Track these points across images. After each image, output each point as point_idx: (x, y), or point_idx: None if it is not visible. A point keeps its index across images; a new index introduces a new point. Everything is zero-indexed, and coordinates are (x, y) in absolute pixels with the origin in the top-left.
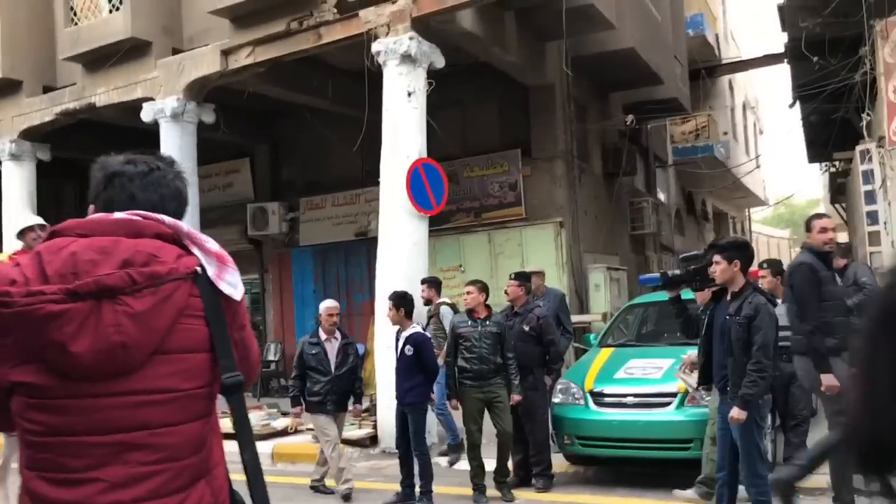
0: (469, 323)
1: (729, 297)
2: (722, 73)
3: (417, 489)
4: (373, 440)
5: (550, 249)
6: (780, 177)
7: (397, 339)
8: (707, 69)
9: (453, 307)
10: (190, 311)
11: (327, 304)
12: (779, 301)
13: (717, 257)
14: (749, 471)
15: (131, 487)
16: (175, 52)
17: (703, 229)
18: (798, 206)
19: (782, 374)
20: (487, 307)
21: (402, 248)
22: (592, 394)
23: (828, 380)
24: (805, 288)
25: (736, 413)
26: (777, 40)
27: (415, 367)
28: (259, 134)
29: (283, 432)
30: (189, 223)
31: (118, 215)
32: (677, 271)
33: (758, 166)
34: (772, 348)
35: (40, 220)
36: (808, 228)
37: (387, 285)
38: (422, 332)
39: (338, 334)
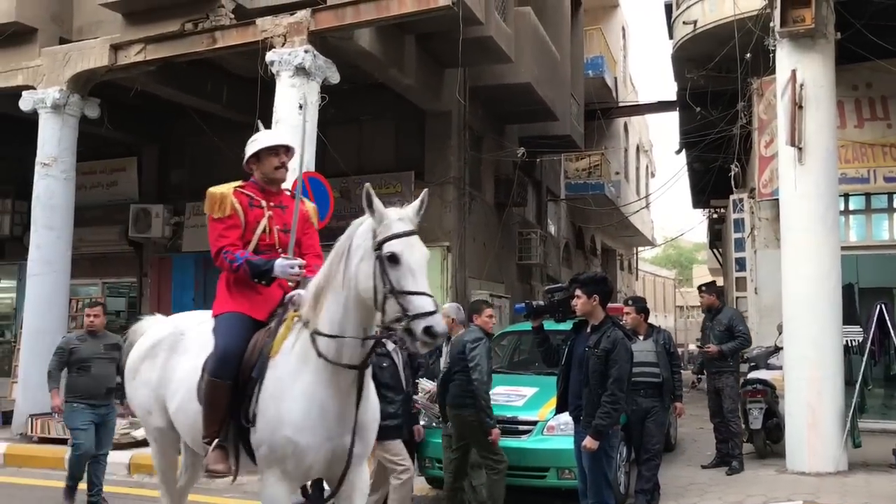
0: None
1: (589, 330)
2: (617, 116)
3: None
4: None
5: (436, 273)
6: (671, 219)
7: None
8: (603, 110)
9: None
10: None
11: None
12: (639, 338)
13: (577, 291)
14: (596, 499)
15: None
16: (63, 41)
17: (590, 264)
18: (685, 249)
19: (638, 408)
20: None
21: None
22: None
23: None
24: None
25: (588, 442)
26: (672, 88)
27: None
28: (148, 133)
29: (144, 442)
30: (63, 220)
31: None
32: (542, 302)
33: (646, 207)
34: (626, 382)
35: (285, 141)
36: None
37: None
38: None
39: None
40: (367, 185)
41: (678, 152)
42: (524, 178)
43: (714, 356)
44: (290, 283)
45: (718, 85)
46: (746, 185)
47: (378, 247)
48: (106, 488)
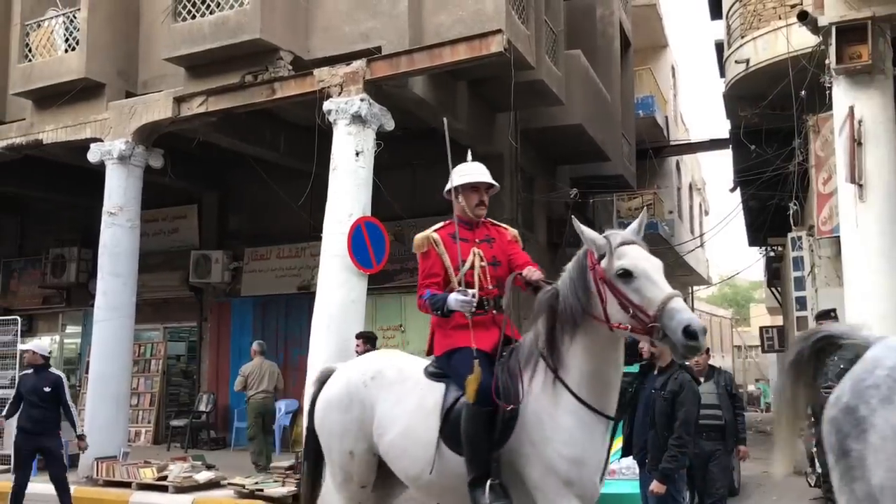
0: None
1: (656, 372)
2: (669, 154)
3: None
4: (295, 499)
5: None
6: (726, 257)
7: None
8: (654, 149)
9: None
10: None
11: None
12: (700, 379)
13: None
14: None
15: None
16: (128, 95)
17: None
18: (741, 287)
19: (701, 451)
20: None
21: (339, 305)
22: None
23: None
24: None
25: (655, 486)
26: (724, 126)
27: None
28: (208, 182)
29: (205, 486)
30: (127, 267)
31: None
32: None
33: (701, 245)
34: (693, 425)
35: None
36: None
37: (322, 341)
38: None
39: None
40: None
41: (732, 190)
42: (577, 217)
43: None
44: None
45: (773, 122)
46: (804, 222)
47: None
48: None
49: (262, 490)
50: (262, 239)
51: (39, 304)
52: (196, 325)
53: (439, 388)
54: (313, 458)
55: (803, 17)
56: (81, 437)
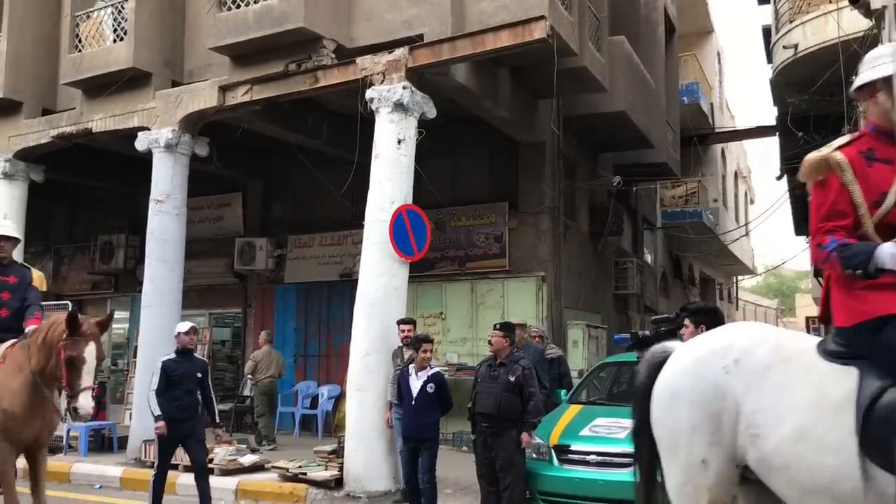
0: None
1: None
2: (714, 142)
3: None
4: (338, 482)
5: (531, 303)
6: (772, 246)
7: (406, 378)
8: (699, 137)
9: None
10: None
11: None
12: None
13: (686, 321)
14: None
15: None
16: (174, 84)
17: (689, 293)
18: (787, 277)
19: None
20: None
21: (381, 292)
22: (556, 449)
23: None
24: None
25: None
26: (770, 113)
27: (435, 404)
28: (252, 170)
29: (250, 468)
30: (174, 254)
31: None
32: (648, 332)
33: (746, 234)
34: None
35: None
36: None
37: (363, 328)
38: (440, 371)
39: None
40: None
41: (779, 178)
42: (619, 206)
43: None
44: None
45: (821, 109)
46: None
47: None
48: None
49: (305, 473)
50: (305, 227)
51: (88, 289)
52: (240, 311)
53: (850, 373)
54: (647, 461)
55: (855, 0)
56: (220, 425)
